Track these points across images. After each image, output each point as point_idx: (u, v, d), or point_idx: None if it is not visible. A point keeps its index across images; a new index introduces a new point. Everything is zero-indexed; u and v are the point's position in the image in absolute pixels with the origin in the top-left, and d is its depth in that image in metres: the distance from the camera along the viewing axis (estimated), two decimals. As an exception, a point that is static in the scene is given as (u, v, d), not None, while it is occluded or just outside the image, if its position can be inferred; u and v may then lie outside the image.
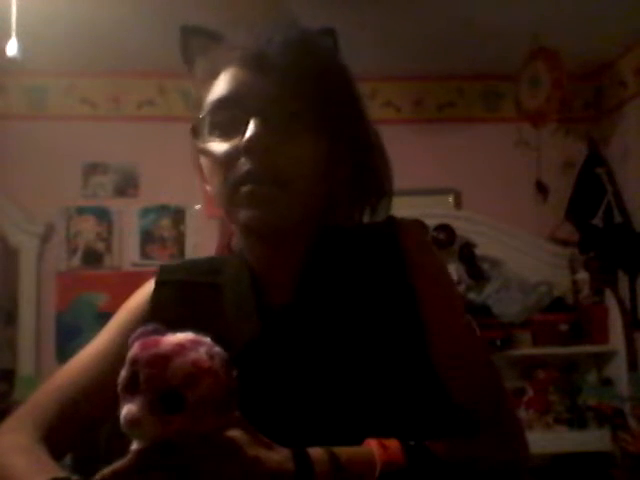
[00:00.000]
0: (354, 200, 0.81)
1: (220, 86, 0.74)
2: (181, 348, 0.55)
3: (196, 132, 0.76)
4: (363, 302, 0.75)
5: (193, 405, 0.53)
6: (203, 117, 0.75)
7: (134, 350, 0.56)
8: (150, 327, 0.58)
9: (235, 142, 0.72)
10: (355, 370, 0.71)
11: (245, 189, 0.71)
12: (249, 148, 0.70)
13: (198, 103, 0.78)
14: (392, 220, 0.80)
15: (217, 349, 0.57)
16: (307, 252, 0.77)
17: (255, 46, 0.73)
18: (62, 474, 0.65)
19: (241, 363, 0.72)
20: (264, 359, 0.73)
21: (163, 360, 0.54)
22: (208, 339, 0.58)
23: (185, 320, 0.77)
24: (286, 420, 0.69)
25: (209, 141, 0.74)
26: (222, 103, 0.74)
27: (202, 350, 0.56)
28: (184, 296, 0.82)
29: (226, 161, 0.72)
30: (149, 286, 0.85)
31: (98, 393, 0.61)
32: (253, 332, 0.75)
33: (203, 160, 0.77)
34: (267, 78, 0.71)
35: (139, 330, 0.58)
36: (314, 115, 0.72)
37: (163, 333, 0.57)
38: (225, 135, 0.73)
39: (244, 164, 0.71)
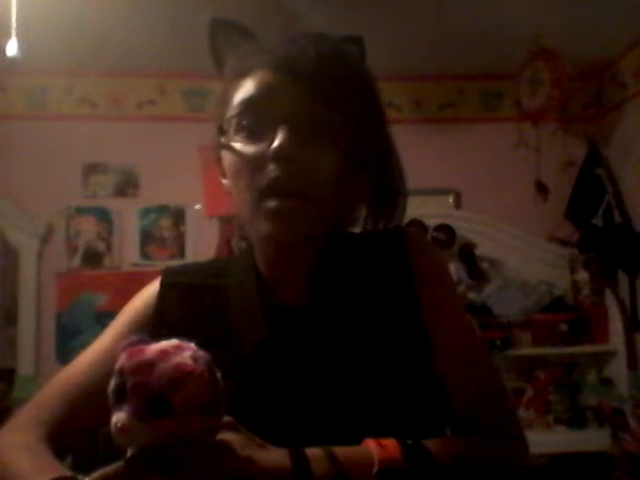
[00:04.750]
0: (369, 205, 0.81)
1: (250, 87, 0.74)
2: (164, 354, 0.56)
3: (222, 129, 0.75)
4: (370, 308, 0.76)
5: (180, 408, 0.54)
6: (231, 116, 0.74)
7: (120, 360, 0.57)
8: (135, 338, 0.59)
9: (262, 146, 0.71)
10: (363, 375, 0.72)
11: (271, 203, 0.70)
12: (277, 155, 0.70)
13: (223, 98, 0.77)
14: (400, 229, 0.82)
15: (201, 353, 0.58)
16: (318, 257, 0.78)
17: (289, 53, 0.73)
18: (67, 473, 0.66)
19: (250, 365, 0.73)
20: (275, 361, 0.74)
21: (147, 367, 0.55)
22: (192, 344, 0.59)
23: (191, 323, 0.78)
24: (294, 421, 0.70)
25: (235, 140, 0.74)
26: (252, 105, 0.73)
27: (186, 354, 0.56)
28: (190, 299, 0.82)
29: (253, 164, 0.72)
30: (153, 287, 0.85)
31: (101, 393, 0.61)
32: (261, 335, 0.75)
33: (227, 157, 0.76)
34: (299, 86, 0.71)
35: (125, 341, 0.59)
36: (341, 126, 0.72)
37: (148, 342, 0.58)
38: (252, 137, 0.73)
39: (271, 171, 0.70)
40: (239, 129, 0.74)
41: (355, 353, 0.73)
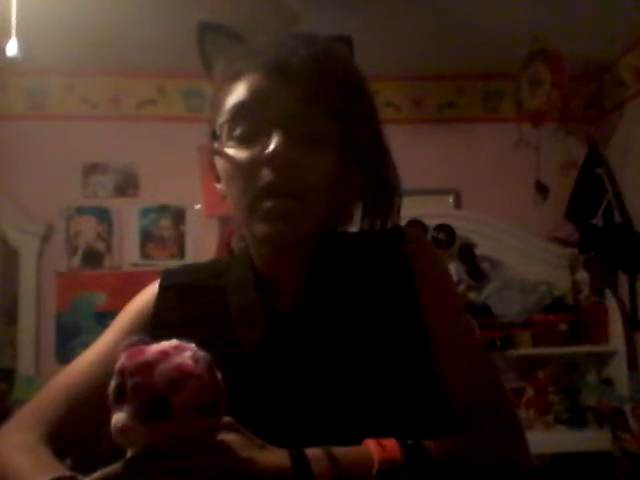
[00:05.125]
0: (364, 205, 0.81)
1: (242, 91, 0.73)
2: (164, 355, 0.56)
3: (215, 134, 0.75)
4: (368, 308, 0.76)
5: (180, 409, 0.54)
6: (224, 122, 0.74)
7: (121, 360, 0.57)
8: (136, 338, 0.59)
9: (256, 151, 0.71)
10: (363, 375, 0.72)
11: (266, 204, 0.71)
12: (272, 160, 0.70)
13: (214, 102, 0.77)
14: (398, 229, 0.82)
15: (201, 353, 0.58)
16: (315, 258, 0.78)
17: (279, 55, 0.73)
18: (67, 473, 0.66)
19: (248, 366, 0.73)
20: (271, 363, 0.74)
21: (147, 368, 0.55)
22: (193, 345, 0.58)
23: (191, 323, 0.78)
24: (295, 422, 0.70)
25: (228, 146, 0.74)
26: (244, 110, 0.73)
27: (186, 355, 0.56)
28: (189, 300, 0.82)
29: (247, 169, 0.72)
30: (152, 289, 0.85)
31: (101, 394, 0.62)
32: (260, 336, 0.75)
33: (220, 163, 0.76)
34: (291, 89, 0.71)
35: (126, 342, 0.59)
36: (335, 128, 0.72)
37: (148, 343, 0.58)
38: (245, 142, 0.73)
39: (266, 175, 0.70)
40: (232, 134, 0.74)
41: (354, 353, 0.73)
